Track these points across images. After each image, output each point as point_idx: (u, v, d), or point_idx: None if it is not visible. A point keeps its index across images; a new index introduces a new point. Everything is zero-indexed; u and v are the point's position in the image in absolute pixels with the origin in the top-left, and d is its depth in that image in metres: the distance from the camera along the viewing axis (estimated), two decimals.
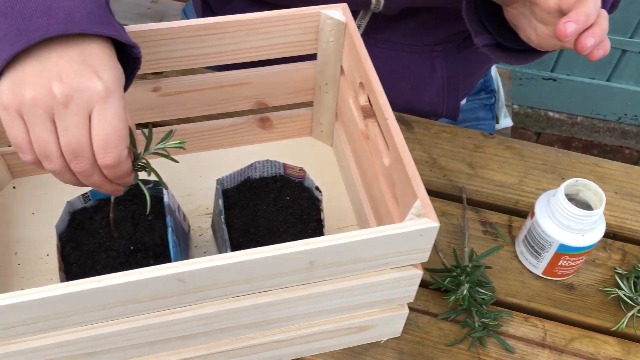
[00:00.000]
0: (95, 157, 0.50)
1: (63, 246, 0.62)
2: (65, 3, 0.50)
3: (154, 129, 0.76)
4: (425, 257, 0.56)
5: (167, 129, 0.78)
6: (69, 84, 0.48)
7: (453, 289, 0.69)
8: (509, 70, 1.35)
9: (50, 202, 0.75)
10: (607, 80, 1.71)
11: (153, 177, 0.68)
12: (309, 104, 0.81)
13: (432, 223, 0.52)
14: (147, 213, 0.61)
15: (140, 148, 0.55)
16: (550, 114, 1.83)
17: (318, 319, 0.61)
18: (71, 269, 0.61)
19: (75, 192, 0.76)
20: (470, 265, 0.71)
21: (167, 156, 0.57)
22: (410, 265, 0.57)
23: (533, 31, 0.60)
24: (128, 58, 0.55)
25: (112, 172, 0.51)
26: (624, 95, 1.73)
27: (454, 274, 0.71)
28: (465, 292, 0.68)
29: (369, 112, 0.66)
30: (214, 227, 0.72)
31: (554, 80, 1.72)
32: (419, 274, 0.58)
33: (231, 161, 0.81)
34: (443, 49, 0.89)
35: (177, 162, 0.59)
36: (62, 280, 0.58)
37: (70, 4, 0.50)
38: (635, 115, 1.78)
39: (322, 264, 0.52)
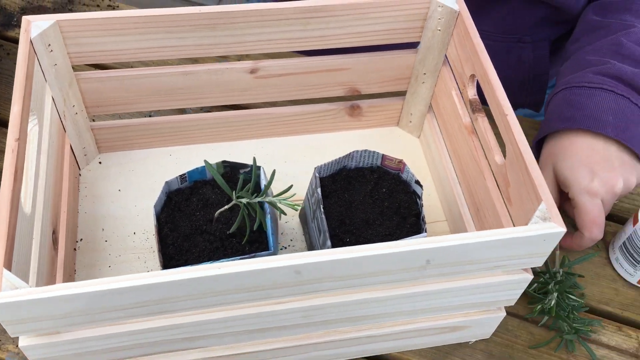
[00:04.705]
0: None
1: (161, 227, 0.61)
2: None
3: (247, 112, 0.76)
4: (541, 261, 0.54)
5: (256, 112, 0.76)
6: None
7: (539, 297, 0.67)
8: None
9: (136, 179, 0.74)
10: None
11: (249, 162, 0.67)
12: (400, 94, 0.79)
13: (558, 228, 0.50)
14: (243, 243, 0.62)
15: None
16: None
17: (416, 317, 0.59)
18: (168, 250, 0.60)
19: (158, 173, 0.75)
20: (560, 271, 0.68)
21: (279, 209, 0.63)
22: (521, 269, 0.55)
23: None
24: None
25: None
26: None
27: (542, 279, 0.68)
28: (553, 302, 0.65)
29: (477, 106, 0.63)
30: (302, 214, 0.70)
31: None
32: (528, 278, 0.56)
33: (315, 147, 0.79)
34: (531, 40, 0.85)
35: (285, 214, 0.66)
36: (161, 262, 0.57)
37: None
38: None
39: (438, 263, 0.50)
